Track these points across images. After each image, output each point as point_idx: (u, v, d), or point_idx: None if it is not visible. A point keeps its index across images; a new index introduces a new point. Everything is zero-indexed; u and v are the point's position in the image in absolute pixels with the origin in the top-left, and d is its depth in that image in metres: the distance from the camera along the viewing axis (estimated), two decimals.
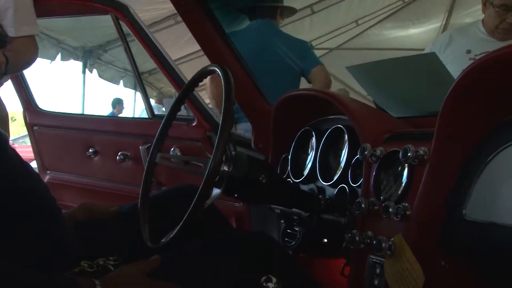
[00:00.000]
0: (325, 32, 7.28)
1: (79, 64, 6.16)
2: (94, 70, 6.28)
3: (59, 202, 1.15)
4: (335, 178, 1.37)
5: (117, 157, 2.28)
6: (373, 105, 1.56)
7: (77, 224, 1.24)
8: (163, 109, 4.98)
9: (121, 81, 6.93)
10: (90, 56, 6.06)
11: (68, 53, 5.84)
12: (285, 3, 2.81)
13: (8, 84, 2.37)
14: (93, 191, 2.41)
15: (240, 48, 2.16)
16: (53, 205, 1.10)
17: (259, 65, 2.02)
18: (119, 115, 7.09)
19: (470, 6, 5.84)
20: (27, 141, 2.74)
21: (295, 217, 1.52)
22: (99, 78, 6.37)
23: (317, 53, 8.15)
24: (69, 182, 2.47)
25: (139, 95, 7.27)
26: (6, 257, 0.92)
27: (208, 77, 2.68)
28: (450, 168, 1.02)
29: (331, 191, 1.38)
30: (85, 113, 4.84)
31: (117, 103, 7.63)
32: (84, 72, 6.24)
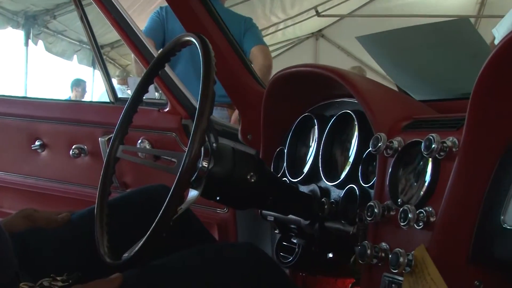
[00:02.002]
0: None
1: (20, 34, 6.11)
2: (40, 42, 6.23)
3: None
4: (342, 176, 1.37)
5: (71, 152, 2.28)
6: (394, 87, 1.57)
7: (15, 236, 1.23)
8: (129, 91, 4.97)
9: (75, 56, 6.89)
10: (34, 24, 6.01)
11: (5, 20, 5.78)
12: None
13: None
14: (40, 195, 2.41)
15: (174, 24, 2.12)
16: None
17: None
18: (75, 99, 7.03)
19: None
20: None
21: (292, 226, 1.52)
22: (46, 52, 6.32)
23: (325, 21, 8.21)
24: (10, 183, 2.46)
25: (98, 73, 7.24)
26: None
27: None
28: (485, 163, 1.02)
29: (337, 193, 1.39)
30: (28, 96, 4.81)
31: (77, 85, 7.54)
32: (26, 44, 6.19)
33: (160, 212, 1.10)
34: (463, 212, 1.03)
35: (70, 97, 7.37)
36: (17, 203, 2.35)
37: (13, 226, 1.32)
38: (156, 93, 2.45)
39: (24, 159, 2.41)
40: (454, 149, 1.06)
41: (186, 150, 1.11)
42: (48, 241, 1.33)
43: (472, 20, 6.67)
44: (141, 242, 1.13)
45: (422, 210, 1.07)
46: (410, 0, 7.28)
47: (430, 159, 1.10)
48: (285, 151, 1.62)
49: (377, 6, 7.45)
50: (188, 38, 1.28)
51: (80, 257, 1.33)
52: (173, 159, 1.30)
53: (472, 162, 1.03)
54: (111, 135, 2.10)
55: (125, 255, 1.16)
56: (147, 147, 2.08)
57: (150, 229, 1.11)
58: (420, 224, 1.07)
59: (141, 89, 1.43)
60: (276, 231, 1.62)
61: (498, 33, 2.61)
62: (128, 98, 1.48)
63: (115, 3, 2.06)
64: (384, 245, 1.15)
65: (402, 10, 7.03)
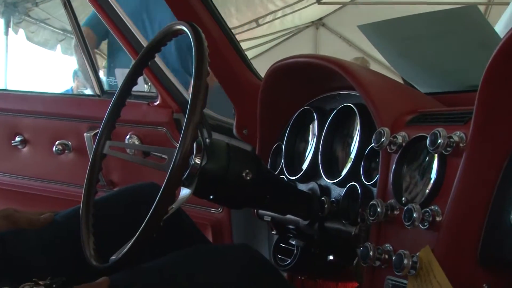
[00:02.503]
0: None
1: None
2: (21, 31, 6.20)
3: None
4: (343, 174, 1.38)
5: (54, 148, 2.28)
6: (399, 79, 1.57)
7: None
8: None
9: (59, 46, 6.85)
10: (14, 12, 5.98)
11: None
12: None
13: None
14: (21, 194, 2.41)
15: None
16: None
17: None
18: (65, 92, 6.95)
19: None
20: None
21: (290, 227, 1.53)
22: (28, 41, 6.28)
23: (326, 9, 8.19)
24: None
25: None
26: None
27: None
28: (494, 159, 1.03)
29: (338, 192, 1.39)
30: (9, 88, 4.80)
31: (80, 75, 7.43)
32: (6, 33, 6.16)
33: (150, 212, 1.11)
34: (470, 211, 1.03)
35: (72, 87, 7.31)
36: None
37: None
38: (146, 85, 2.45)
39: (4, 155, 2.41)
40: (461, 145, 1.06)
41: (178, 146, 1.11)
42: (30, 243, 1.33)
43: (482, 8, 6.68)
44: (130, 244, 1.13)
45: (428, 209, 1.08)
46: None
47: (436, 155, 1.10)
48: (283, 147, 1.62)
49: None
50: (179, 27, 1.28)
51: (64, 260, 1.33)
52: (163, 156, 1.30)
53: (480, 158, 1.03)
54: (97, 130, 2.12)
55: (113, 257, 1.16)
56: (136, 142, 2.09)
57: (139, 230, 1.12)
58: (426, 224, 1.08)
59: (130, 81, 1.43)
60: (273, 232, 1.63)
61: (497, 30, 2.61)
62: (115, 91, 1.48)
63: None
64: (387, 246, 1.16)
65: None
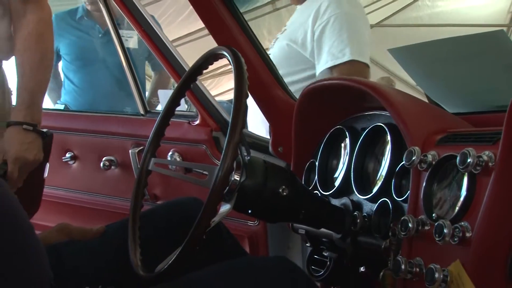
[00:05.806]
0: (364, 4, 7.25)
1: None
2: None
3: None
4: (375, 190, 1.37)
5: (101, 164, 2.32)
6: (425, 99, 1.57)
7: (50, 248, 1.25)
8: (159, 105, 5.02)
9: None
10: None
11: None
12: None
13: None
14: (71, 207, 2.45)
15: None
16: (23, 222, 1.10)
17: None
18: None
19: None
20: None
21: (324, 240, 1.53)
22: None
23: None
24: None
25: None
26: None
27: None
28: None
29: (370, 207, 1.39)
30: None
31: None
32: None
33: (194, 225, 1.12)
34: (499, 228, 1.03)
35: None
36: (49, 215, 2.37)
37: (51, 239, 1.34)
38: (185, 105, 2.49)
39: (56, 171, 2.44)
40: (490, 164, 1.05)
41: (219, 164, 1.13)
42: (82, 253, 1.35)
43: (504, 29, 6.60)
44: (175, 255, 1.15)
45: (458, 225, 1.07)
46: (440, 10, 7.22)
47: (466, 173, 1.09)
48: (317, 164, 1.62)
49: (407, 15, 7.40)
50: (220, 52, 1.31)
51: (113, 270, 1.35)
52: (205, 172, 1.32)
53: (509, 177, 1.02)
54: (141, 147, 2.17)
55: (158, 267, 1.18)
56: (178, 159, 2.11)
57: (184, 241, 1.13)
58: (456, 239, 1.07)
59: (174, 102, 1.45)
60: (307, 244, 1.62)
61: None
62: (158, 111, 1.50)
63: (144, 15, 2.10)
64: (418, 260, 1.15)
65: (433, 19, 6.98)
